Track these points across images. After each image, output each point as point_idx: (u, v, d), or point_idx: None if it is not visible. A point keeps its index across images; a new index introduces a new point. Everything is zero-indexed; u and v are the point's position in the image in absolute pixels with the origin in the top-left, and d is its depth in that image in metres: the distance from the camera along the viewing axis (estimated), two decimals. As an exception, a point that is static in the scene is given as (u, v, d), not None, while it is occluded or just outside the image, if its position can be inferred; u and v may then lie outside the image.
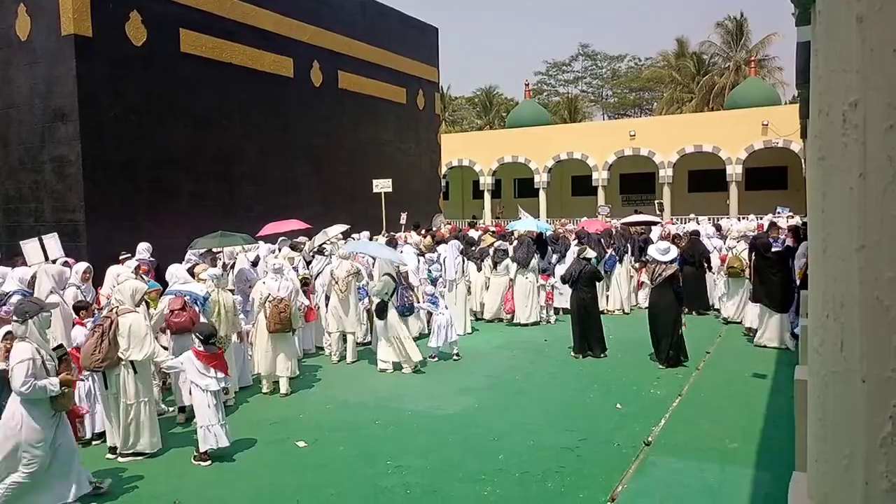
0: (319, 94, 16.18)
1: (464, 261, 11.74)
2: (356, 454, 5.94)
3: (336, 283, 9.23)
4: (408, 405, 7.31)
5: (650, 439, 6.09)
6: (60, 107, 10.99)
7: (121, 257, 9.42)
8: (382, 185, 15.58)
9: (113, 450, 5.93)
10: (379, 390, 7.99)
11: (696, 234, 13.23)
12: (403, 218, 16.35)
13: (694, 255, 12.26)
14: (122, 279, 6.54)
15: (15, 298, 6.54)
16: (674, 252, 9.02)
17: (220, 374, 5.90)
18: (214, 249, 9.78)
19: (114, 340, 5.71)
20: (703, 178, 29.49)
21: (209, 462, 5.76)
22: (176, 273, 7.34)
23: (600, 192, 29.71)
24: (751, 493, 4.96)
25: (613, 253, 12.89)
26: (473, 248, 12.70)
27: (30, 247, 7.01)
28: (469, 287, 11.85)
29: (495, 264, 12.17)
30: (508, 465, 5.59)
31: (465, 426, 6.62)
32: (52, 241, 7.25)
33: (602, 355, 9.25)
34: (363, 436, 6.41)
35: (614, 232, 14.07)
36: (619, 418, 6.76)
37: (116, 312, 5.87)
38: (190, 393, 6.12)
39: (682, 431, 6.33)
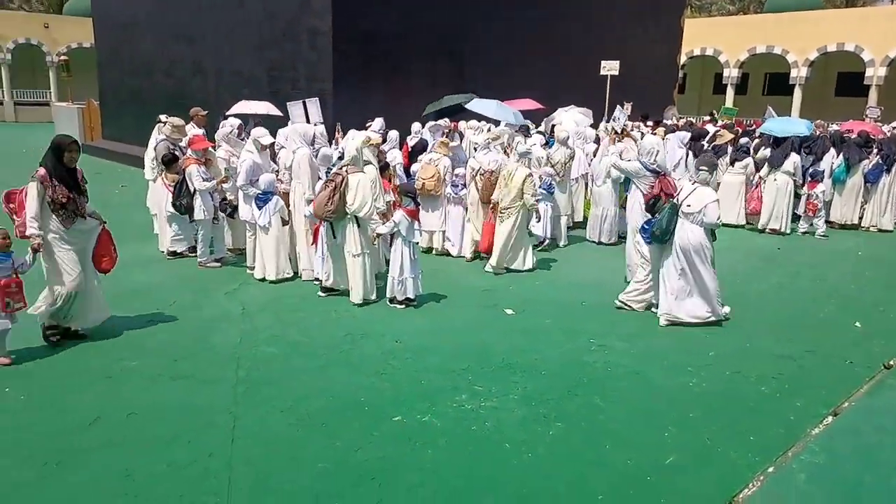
0: (555, -30, 15.45)
1: (686, 155, 10.92)
2: (560, 328, 6.08)
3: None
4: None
5: (892, 363, 5.40)
6: (316, -21, 11.81)
7: (367, 124, 10.05)
8: (610, 68, 14.73)
9: (325, 290, 6.77)
10: (590, 274, 7.99)
11: None
12: (626, 108, 15.41)
13: None
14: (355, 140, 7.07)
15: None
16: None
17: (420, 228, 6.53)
18: (442, 122, 10.11)
19: (343, 195, 6.32)
20: None
21: (403, 306, 6.43)
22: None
23: (872, 92, 25.32)
24: None
25: (881, 161, 11.08)
26: (704, 143, 11.70)
27: (295, 110, 7.82)
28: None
29: (733, 161, 11.13)
30: (719, 362, 5.35)
31: (676, 320, 6.42)
32: (314, 107, 8.00)
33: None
34: (569, 314, 6.51)
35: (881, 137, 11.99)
36: (857, 336, 6.05)
37: (347, 171, 6.45)
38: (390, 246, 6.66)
39: (937, 362, 5.51)
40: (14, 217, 5.19)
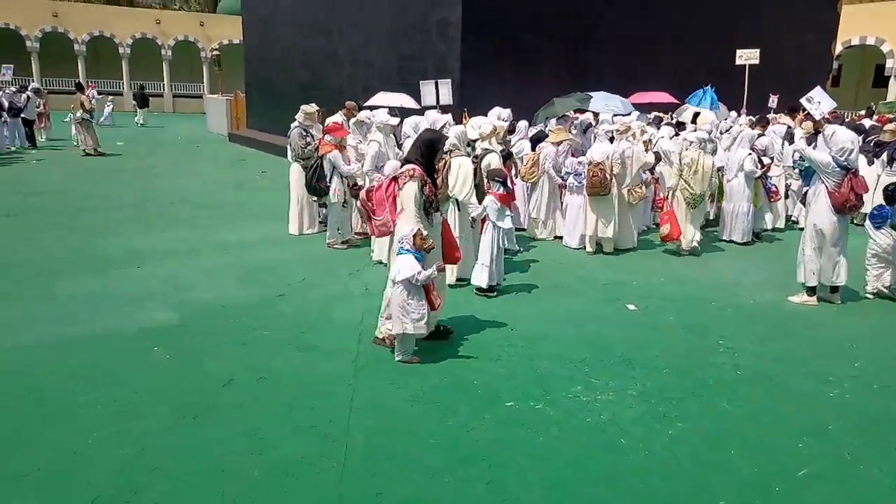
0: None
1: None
2: (685, 326, 5.79)
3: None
4: (751, 294, 6.78)
5: None
6: (448, -29, 11.97)
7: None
8: (748, 56, 13.68)
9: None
10: (721, 273, 7.56)
11: None
12: (772, 101, 14.34)
13: None
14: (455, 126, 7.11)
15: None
16: None
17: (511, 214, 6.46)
18: (568, 113, 9.92)
19: (446, 178, 6.37)
20: None
21: (495, 294, 6.39)
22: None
23: None
24: None
25: None
26: (868, 140, 10.66)
27: (426, 89, 7.97)
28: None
29: (891, 161, 10.08)
30: (865, 374, 4.87)
31: (813, 326, 5.92)
32: (445, 88, 8.11)
33: None
34: (696, 312, 6.19)
35: None
36: None
37: (451, 155, 6.48)
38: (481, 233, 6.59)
39: None
40: (373, 216, 4.88)
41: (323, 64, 16.99)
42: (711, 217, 9.78)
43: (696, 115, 10.21)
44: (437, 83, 8.04)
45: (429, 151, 4.87)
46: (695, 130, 8.95)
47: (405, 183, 4.74)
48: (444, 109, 8.56)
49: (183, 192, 11.90)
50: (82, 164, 15.14)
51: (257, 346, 5.06)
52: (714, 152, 8.90)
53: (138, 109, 27.56)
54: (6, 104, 16.52)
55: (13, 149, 16.84)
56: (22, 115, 17.13)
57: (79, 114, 16.31)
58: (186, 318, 5.60)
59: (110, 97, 27.91)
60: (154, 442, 3.66)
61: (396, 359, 4.81)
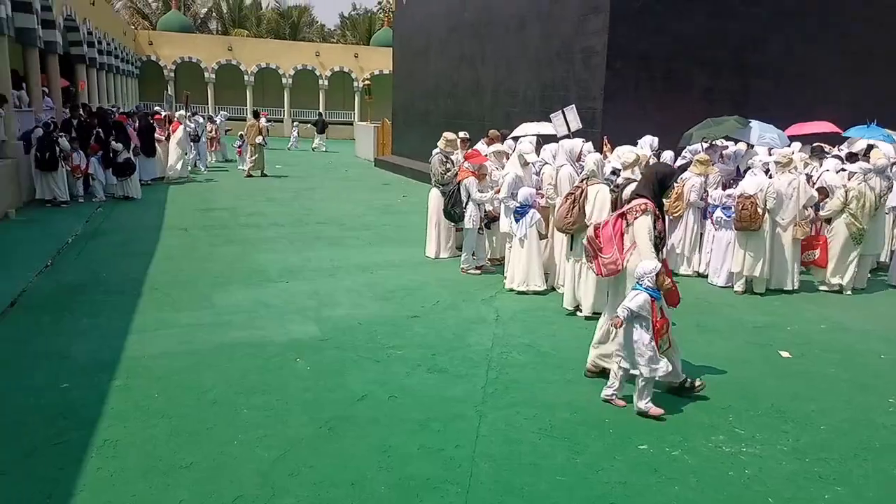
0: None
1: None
2: (847, 379, 5.24)
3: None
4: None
5: None
6: (594, 1, 11.87)
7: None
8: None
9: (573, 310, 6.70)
10: (891, 323, 6.78)
11: None
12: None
13: None
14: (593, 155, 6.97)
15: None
16: None
17: None
18: (717, 142, 9.43)
19: (582, 207, 6.25)
20: None
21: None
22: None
23: None
24: None
25: None
26: None
27: (557, 120, 7.95)
28: None
29: None
30: None
31: None
32: (571, 113, 8.03)
33: None
34: (860, 365, 5.59)
35: None
36: None
37: (587, 183, 6.39)
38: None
39: None
40: (601, 254, 4.69)
41: (466, 93, 17.43)
42: (882, 259, 8.85)
43: (870, 147, 9.32)
44: (563, 111, 7.95)
45: (660, 186, 4.67)
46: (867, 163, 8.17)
47: (636, 218, 4.56)
48: (575, 134, 8.45)
49: (331, 213, 12.63)
50: (246, 185, 16.53)
51: (391, 365, 5.22)
52: (890, 189, 8.08)
53: (317, 135, 29.86)
54: (192, 131, 18.34)
55: (203, 170, 18.72)
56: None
57: (258, 139, 17.86)
58: (326, 333, 5.89)
59: (295, 124, 30.63)
60: (294, 448, 3.87)
61: (637, 407, 4.46)
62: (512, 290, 7.43)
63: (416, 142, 20.53)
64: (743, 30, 12.60)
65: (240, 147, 19.60)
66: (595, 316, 6.46)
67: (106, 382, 4.65)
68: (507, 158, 8.35)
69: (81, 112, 13.88)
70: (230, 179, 17.45)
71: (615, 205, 6.38)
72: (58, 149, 11.75)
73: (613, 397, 4.60)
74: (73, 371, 4.83)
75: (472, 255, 8.31)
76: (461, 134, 9.81)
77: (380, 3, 53.53)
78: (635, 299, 4.34)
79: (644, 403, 4.43)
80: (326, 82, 40.12)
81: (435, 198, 8.92)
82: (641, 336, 4.36)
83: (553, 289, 7.51)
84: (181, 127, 16.70)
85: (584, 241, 4.95)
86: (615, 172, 7.17)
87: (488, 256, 8.66)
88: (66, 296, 6.69)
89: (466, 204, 8.13)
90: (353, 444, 3.96)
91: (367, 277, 7.89)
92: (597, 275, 4.85)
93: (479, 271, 8.26)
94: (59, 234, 9.53)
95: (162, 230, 10.23)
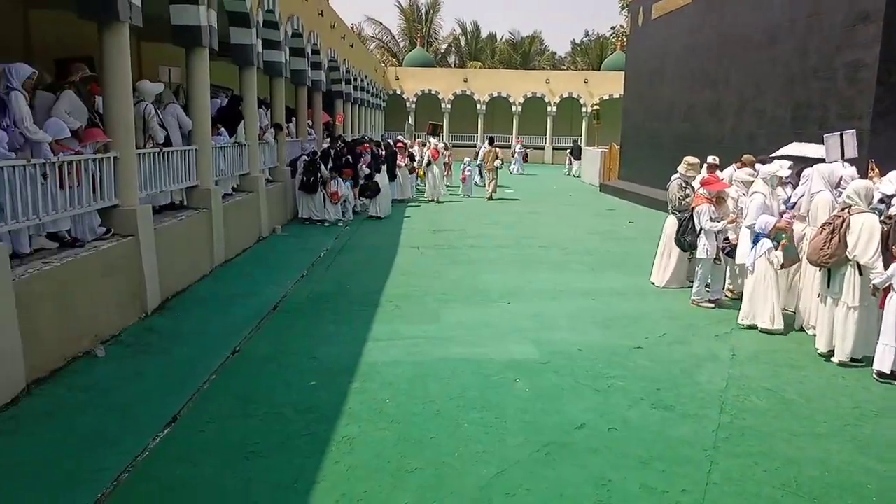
0: None
1: None
2: None
3: None
4: None
5: None
6: (865, 9, 10.49)
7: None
8: None
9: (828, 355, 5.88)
10: None
11: None
12: None
13: None
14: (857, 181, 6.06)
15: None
16: None
17: None
18: None
19: (843, 239, 5.54)
20: None
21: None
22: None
23: None
24: None
25: None
26: None
27: (831, 142, 7.08)
28: None
29: None
30: None
31: None
32: (851, 138, 7.09)
33: None
34: None
35: None
36: None
37: (849, 212, 5.64)
38: None
39: None
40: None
41: (704, 114, 16.43)
42: None
43: None
44: (842, 134, 7.00)
45: None
46: None
47: None
48: (850, 162, 7.44)
49: (553, 237, 12.65)
50: (473, 208, 17.27)
51: (611, 395, 5.02)
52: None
53: (573, 161, 30.61)
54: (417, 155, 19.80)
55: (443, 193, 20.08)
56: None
57: (497, 162, 19.00)
58: (545, 356, 5.87)
59: (519, 150, 31.91)
60: (511, 468, 3.89)
61: None
62: (750, 326, 6.77)
63: (645, 166, 19.81)
64: None
65: (464, 174, 20.55)
66: (854, 363, 5.64)
67: (345, 384, 5.11)
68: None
69: (338, 142, 15.69)
70: (459, 203, 18.36)
71: (886, 237, 5.53)
72: (319, 175, 13.36)
73: None
74: (320, 371, 5.39)
75: (707, 287, 7.74)
76: (710, 159, 9.23)
77: (613, 27, 53.06)
78: None
79: None
80: (554, 108, 40.57)
81: (670, 225, 8.46)
82: None
83: (802, 329, 6.70)
84: (439, 154, 18.62)
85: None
86: (883, 201, 6.22)
87: (729, 289, 8.01)
88: (317, 303, 7.52)
89: (700, 233, 7.61)
90: (570, 472, 3.86)
91: (588, 303, 7.74)
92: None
93: (712, 305, 7.65)
94: (314, 249, 10.78)
95: (398, 248, 11.07)
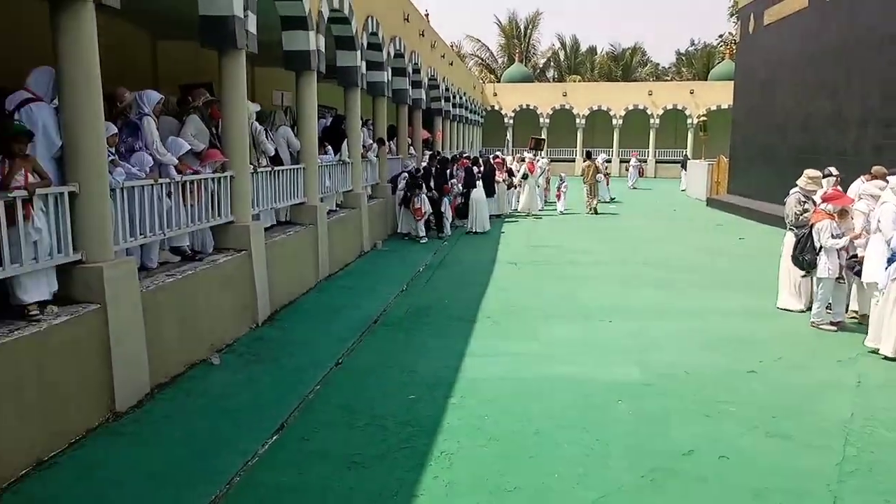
0: None
1: None
2: None
3: None
4: None
5: None
6: None
7: None
8: None
9: None
10: None
11: None
12: None
13: None
14: None
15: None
16: None
17: None
18: None
19: None
20: None
21: None
22: None
23: None
24: None
25: None
26: None
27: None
28: None
29: None
30: None
31: None
32: None
33: None
34: None
35: None
36: None
37: None
38: None
39: None
40: None
41: (824, 125, 15.40)
42: None
43: None
44: None
45: None
46: None
47: None
48: None
49: (657, 253, 12.21)
50: (574, 223, 17.00)
51: (722, 421, 4.76)
52: None
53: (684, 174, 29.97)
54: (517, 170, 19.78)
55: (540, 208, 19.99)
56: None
57: (599, 176, 18.86)
58: (649, 377, 5.65)
59: (633, 164, 31.35)
60: (614, 494, 3.76)
61: None
62: (876, 351, 6.23)
63: (756, 180, 18.79)
64: None
65: (559, 190, 20.16)
66: None
67: (444, 398, 5.14)
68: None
69: (435, 160, 15.96)
70: (557, 218, 18.13)
71: None
72: (418, 191, 13.61)
73: None
74: (419, 384, 5.45)
75: (828, 308, 7.20)
76: (833, 171, 8.64)
77: (721, 35, 50.99)
78: None
79: None
80: (657, 121, 39.37)
81: (789, 242, 7.94)
82: None
83: (940, 357, 6.10)
84: (537, 168, 18.73)
85: None
86: None
87: (854, 310, 7.43)
88: (416, 317, 7.63)
89: (819, 251, 7.11)
90: (677, 501, 3.69)
91: (695, 323, 7.40)
92: None
93: (834, 328, 7.11)
94: (413, 263, 10.96)
95: (496, 263, 11.06)
